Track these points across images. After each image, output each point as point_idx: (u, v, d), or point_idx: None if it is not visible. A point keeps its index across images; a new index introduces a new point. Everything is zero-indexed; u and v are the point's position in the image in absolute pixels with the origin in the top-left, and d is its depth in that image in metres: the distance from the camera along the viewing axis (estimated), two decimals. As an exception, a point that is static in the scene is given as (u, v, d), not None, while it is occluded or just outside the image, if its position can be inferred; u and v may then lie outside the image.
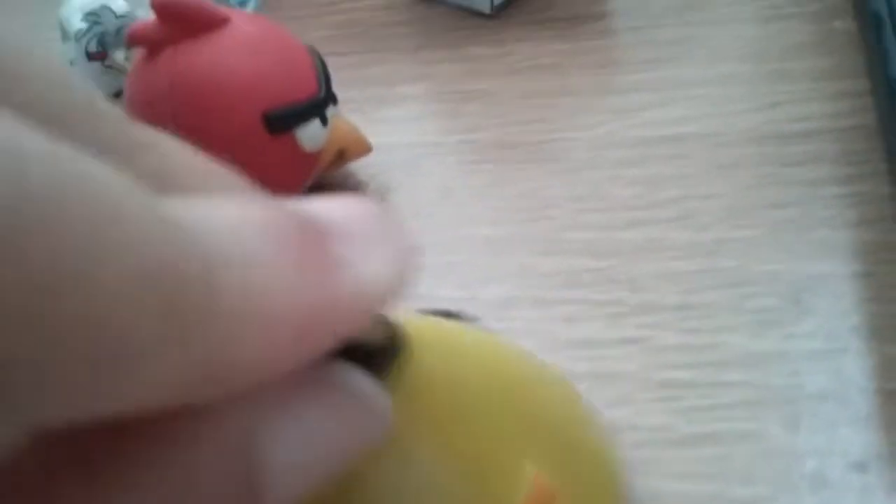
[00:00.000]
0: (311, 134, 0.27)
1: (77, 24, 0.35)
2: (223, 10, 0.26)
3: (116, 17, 0.35)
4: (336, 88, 0.31)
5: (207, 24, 0.26)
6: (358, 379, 0.11)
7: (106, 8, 0.35)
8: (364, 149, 0.28)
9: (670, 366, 0.22)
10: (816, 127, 0.26)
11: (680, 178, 0.26)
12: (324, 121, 0.27)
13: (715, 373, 0.21)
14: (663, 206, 0.25)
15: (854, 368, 0.20)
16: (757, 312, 0.22)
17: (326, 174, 0.29)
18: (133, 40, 0.25)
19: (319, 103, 0.27)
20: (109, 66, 0.36)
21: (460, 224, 0.27)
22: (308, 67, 0.27)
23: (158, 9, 0.25)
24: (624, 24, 0.33)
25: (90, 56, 0.36)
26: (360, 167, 0.30)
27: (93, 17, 0.35)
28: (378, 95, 0.33)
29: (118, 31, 0.36)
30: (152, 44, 0.25)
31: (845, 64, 0.28)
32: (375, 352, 0.11)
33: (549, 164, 0.28)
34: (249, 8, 0.39)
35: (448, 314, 0.17)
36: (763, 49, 0.30)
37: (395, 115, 0.32)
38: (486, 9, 0.35)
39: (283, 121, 0.26)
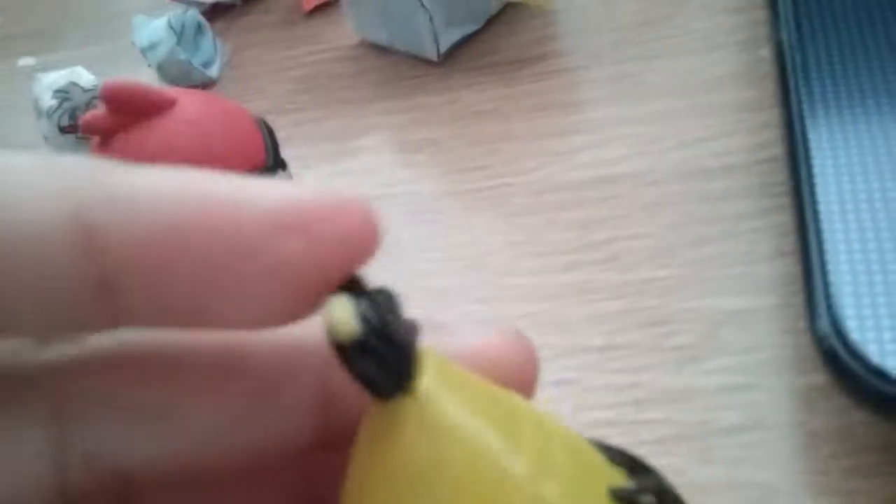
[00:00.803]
0: (260, 201, 0.28)
1: (48, 101, 0.37)
2: (170, 92, 0.28)
3: (84, 90, 0.37)
4: (296, 146, 0.33)
5: (155, 108, 0.27)
6: None
7: (73, 84, 0.37)
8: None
9: (596, 406, 0.23)
10: (738, 161, 0.27)
11: (610, 220, 0.27)
12: (272, 187, 0.28)
13: (636, 411, 0.22)
14: (594, 249, 0.27)
15: (767, 402, 0.22)
16: (676, 350, 0.23)
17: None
18: (86, 130, 0.27)
19: (267, 172, 0.28)
20: (82, 138, 0.38)
21: (405, 277, 0.28)
22: (255, 139, 0.29)
23: (107, 99, 0.27)
24: (563, 65, 0.34)
25: (63, 130, 0.38)
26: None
27: (62, 93, 0.37)
28: (333, 150, 0.35)
29: (88, 103, 0.38)
30: (104, 132, 0.27)
31: (767, 94, 0.29)
32: None
33: (490, 211, 0.29)
34: (214, 70, 0.41)
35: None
36: (692, 82, 0.31)
37: (348, 169, 0.34)
38: (434, 56, 0.36)
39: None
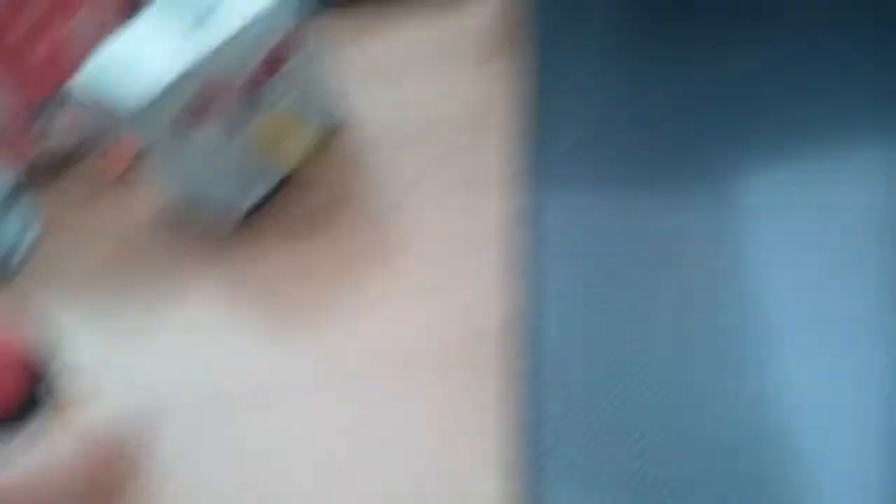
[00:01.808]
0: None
1: None
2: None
3: None
4: (90, 337, 0.32)
5: None
6: None
7: None
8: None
9: None
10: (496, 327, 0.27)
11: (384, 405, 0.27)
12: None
13: None
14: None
15: None
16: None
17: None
18: None
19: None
20: None
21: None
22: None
23: None
24: (348, 224, 0.33)
25: None
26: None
27: None
28: (127, 342, 0.33)
29: None
30: None
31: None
32: None
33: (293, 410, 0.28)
34: (22, 249, 0.39)
35: None
36: (466, 238, 0.31)
37: (139, 367, 0.32)
38: (230, 224, 0.35)
39: None
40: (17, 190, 0.42)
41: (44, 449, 0.29)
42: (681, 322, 0.20)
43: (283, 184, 0.37)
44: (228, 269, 0.34)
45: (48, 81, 0.43)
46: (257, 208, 0.36)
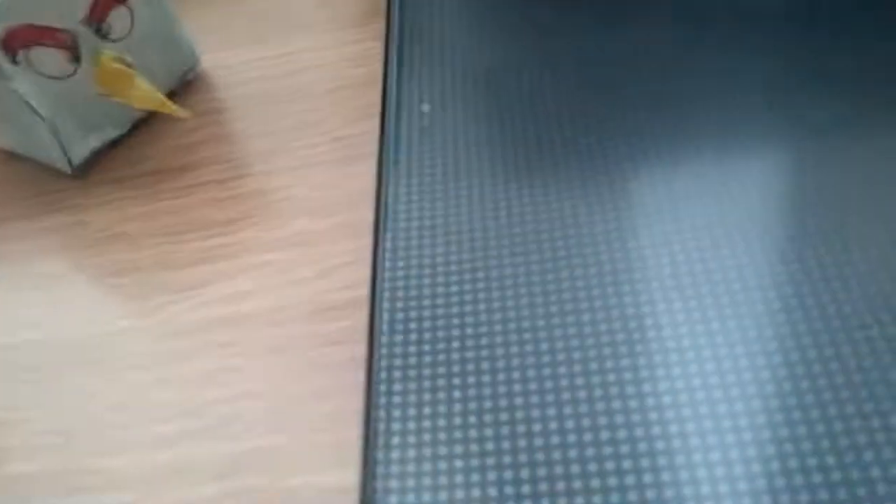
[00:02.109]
0: None
1: None
2: None
3: None
4: None
5: None
6: None
7: None
8: None
9: None
10: (362, 295, 0.25)
11: (226, 373, 0.24)
12: None
13: None
14: (201, 414, 0.23)
15: None
16: (270, 546, 0.20)
17: None
18: None
19: None
20: None
21: (-17, 463, 0.24)
22: None
23: None
24: (208, 177, 0.31)
25: None
26: None
27: None
28: (-63, 289, 0.30)
29: None
30: None
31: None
32: None
33: (95, 366, 0.25)
34: None
35: None
36: (334, 199, 0.29)
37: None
38: (66, 168, 0.32)
39: None
40: None
41: None
42: (534, 302, 0.19)
43: (128, 133, 0.34)
44: (47, 233, 0.30)
45: None
46: (97, 156, 0.33)
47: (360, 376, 0.23)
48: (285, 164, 0.31)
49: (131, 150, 0.33)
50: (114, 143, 0.33)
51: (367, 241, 0.27)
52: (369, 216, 0.28)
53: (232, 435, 0.22)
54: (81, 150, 0.32)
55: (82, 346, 0.26)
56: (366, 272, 0.26)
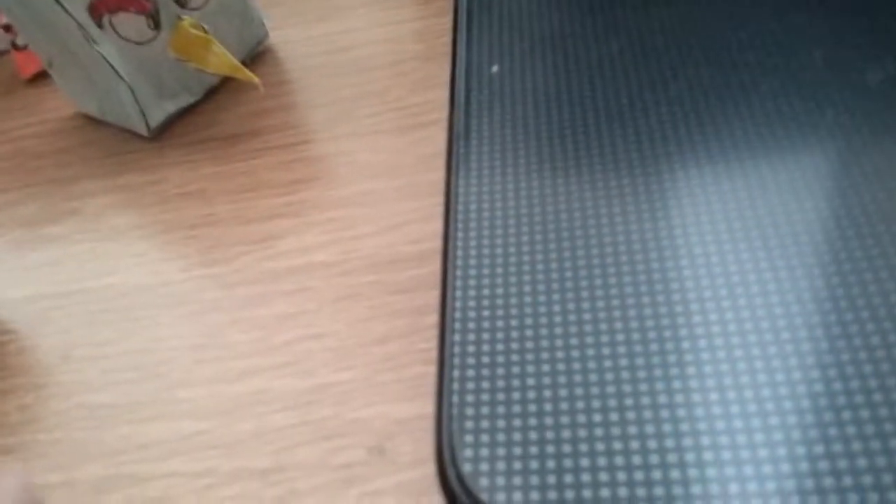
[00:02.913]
0: None
1: None
2: None
3: None
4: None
5: None
6: None
7: None
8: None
9: (251, 542, 0.21)
10: (430, 248, 0.27)
11: (297, 317, 0.26)
12: None
13: (290, 547, 0.20)
14: (275, 352, 0.25)
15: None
16: (342, 468, 0.21)
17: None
18: None
19: None
20: None
21: (72, 393, 0.25)
22: None
23: None
24: (278, 142, 0.32)
25: None
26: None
27: None
28: (23, 239, 0.31)
29: None
30: None
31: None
32: None
33: (178, 308, 0.27)
34: None
35: None
36: (400, 162, 0.30)
37: (34, 261, 0.30)
38: (144, 131, 0.34)
39: None
40: None
41: None
42: (593, 286, 0.20)
43: (201, 101, 0.35)
44: (125, 189, 0.32)
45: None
46: (171, 121, 0.35)
47: (426, 321, 0.24)
48: (350, 131, 0.32)
49: (204, 116, 0.35)
50: (187, 110, 0.35)
51: (433, 200, 0.28)
52: (433, 178, 0.29)
53: (303, 371, 0.24)
54: (158, 114, 0.34)
55: (159, 291, 0.28)
56: (432, 228, 0.27)
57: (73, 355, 0.26)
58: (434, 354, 0.23)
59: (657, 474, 0.16)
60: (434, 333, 0.24)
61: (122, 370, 0.25)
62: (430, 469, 0.21)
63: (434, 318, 0.24)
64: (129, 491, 0.22)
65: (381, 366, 0.23)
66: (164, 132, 0.34)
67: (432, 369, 0.23)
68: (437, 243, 0.26)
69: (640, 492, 0.16)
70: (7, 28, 0.42)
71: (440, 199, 0.28)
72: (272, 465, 0.22)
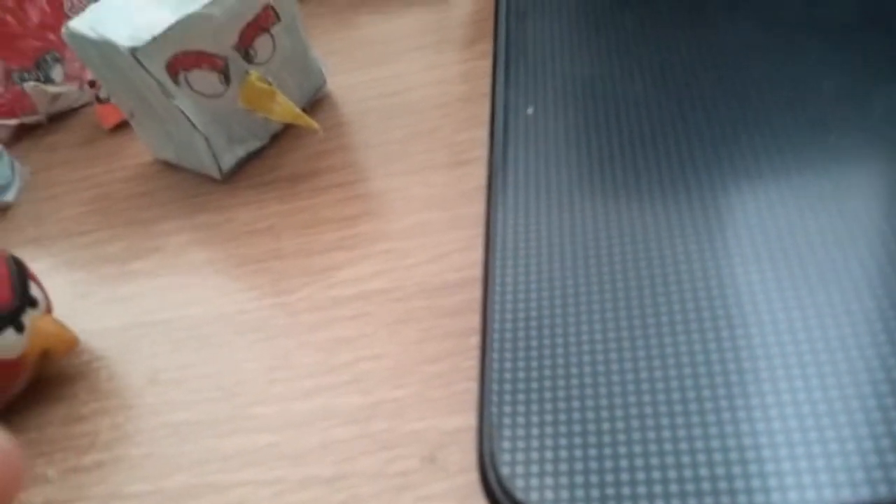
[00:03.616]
0: (4, 343, 0.28)
1: None
2: None
3: None
4: (77, 269, 0.33)
5: None
6: None
7: None
8: (69, 345, 0.29)
9: (319, 541, 0.23)
10: (473, 275, 0.29)
11: (357, 340, 0.28)
12: (18, 327, 0.28)
13: (353, 545, 0.23)
14: (337, 371, 0.27)
15: (477, 523, 0.22)
16: (398, 476, 0.24)
17: (39, 373, 0.30)
18: None
19: (12, 312, 0.28)
20: None
21: (159, 412, 0.28)
22: (1, 277, 0.29)
23: None
24: (336, 181, 0.35)
25: None
26: (74, 357, 0.31)
27: None
28: (111, 274, 0.35)
29: None
30: None
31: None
32: None
33: (251, 334, 0.30)
34: (10, 194, 0.41)
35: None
36: (447, 196, 0.33)
37: (122, 294, 0.34)
38: (217, 175, 0.37)
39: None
40: (9, 141, 0.44)
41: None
42: (617, 307, 0.22)
43: (267, 145, 0.39)
44: (201, 228, 0.35)
45: (39, 38, 0.44)
46: (241, 166, 0.38)
47: (472, 341, 0.26)
48: (402, 168, 0.35)
49: (269, 159, 0.38)
50: (254, 154, 0.38)
51: (475, 231, 0.30)
52: (475, 211, 0.31)
53: (362, 390, 0.26)
54: (229, 158, 0.37)
55: (234, 319, 0.31)
56: (477, 255, 0.29)
57: (159, 379, 0.29)
58: (478, 372, 0.25)
59: (672, 473, 0.18)
60: (478, 353, 0.26)
61: (204, 391, 0.28)
62: (476, 476, 0.23)
63: (478, 339, 0.27)
64: (211, 497, 0.25)
65: (431, 382, 0.26)
66: (234, 175, 0.38)
67: (475, 385, 0.25)
68: (479, 271, 0.29)
69: (657, 489, 0.17)
70: (92, 84, 0.46)
71: (481, 229, 0.30)
72: (336, 473, 0.24)
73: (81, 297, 0.34)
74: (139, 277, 0.34)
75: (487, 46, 0.40)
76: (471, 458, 0.24)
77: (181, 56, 0.34)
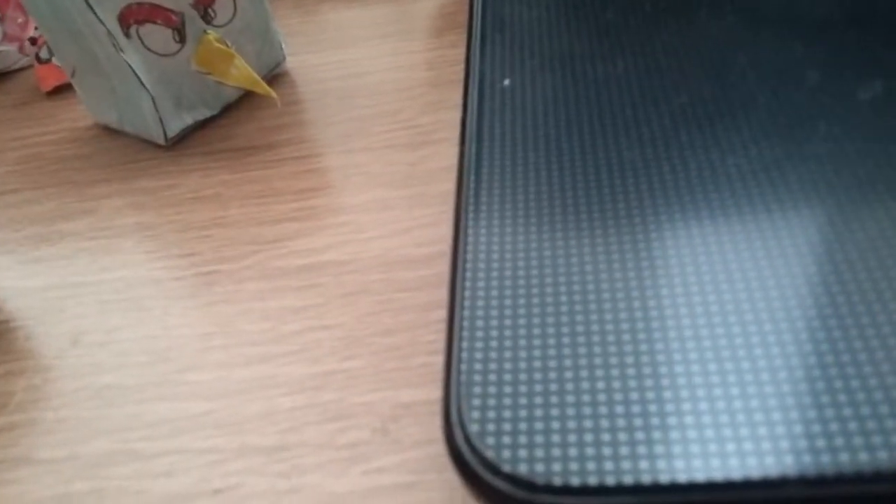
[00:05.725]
0: None
1: None
2: None
3: None
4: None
5: None
6: None
7: None
8: (-17, 298, 0.27)
9: (254, 515, 0.21)
10: (437, 250, 0.27)
11: (308, 309, 0.26)
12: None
13: (293, 519, 0.21)
14: (284, 341, 0.25)
15: (427, 500, 0.21)
16: (346, 447, 0.22)
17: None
18: None
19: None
20: None
21: (80, 375, 0.26)
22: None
23: None
24: (291, 154, 0.33)
25: None
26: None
27: None
28: (37, 234, 0.32)
29: None
30: None
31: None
32: None
33: (189, 300, 0.28)
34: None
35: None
36: (410, 174, 0.31)
37: (48, 255, 0.31)
38: (161, 140, 0.35)
39: None
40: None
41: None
42: (598, 280, 0.21)
43: (218, 115, 0.37)
44: (139, 193, 0.33)
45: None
46: (188, 133, 0.36)
47: (434, 315, 0.25)
48: (362, 145, 0.33)
49: (220, 129, 0.36)
50: (204, 124, 0.36)
51: (442, 208, 0.29)
52: (442, 189, 0.30)
53: (311, 359, 0.24)
54: (176, 124, 0.35)
55: (170, 284, 0.28)
56: (441, 232, 0.28)
57: (82, 341, 0.27)
58: (440, 346, 0.24)
59: (640, 435, 0.16)
60: (440, 328, 0.25)
61: (131, 354, 0.26)
62: (433, 449, 0.21)
63: (440, 314, 0.25)
64: (134, 465, 0.22)
65: (386, 355, 0.24)
66: (181, 143, 0.36)
67: (438, 359, 0.24)
68: (444, 247, 0.27)
69: (624, 450, 0.16)
70: (34, 41, 0.43)
71: (448, 207, 0.29)
72: (277, 443, 0.22)
73: (3, 257, 0.31)
74: (67, 239, 0.32)
75: (457, 37, 0.40)
76: (427, 431, 0.22)
77: (135, 7, 0.32)
